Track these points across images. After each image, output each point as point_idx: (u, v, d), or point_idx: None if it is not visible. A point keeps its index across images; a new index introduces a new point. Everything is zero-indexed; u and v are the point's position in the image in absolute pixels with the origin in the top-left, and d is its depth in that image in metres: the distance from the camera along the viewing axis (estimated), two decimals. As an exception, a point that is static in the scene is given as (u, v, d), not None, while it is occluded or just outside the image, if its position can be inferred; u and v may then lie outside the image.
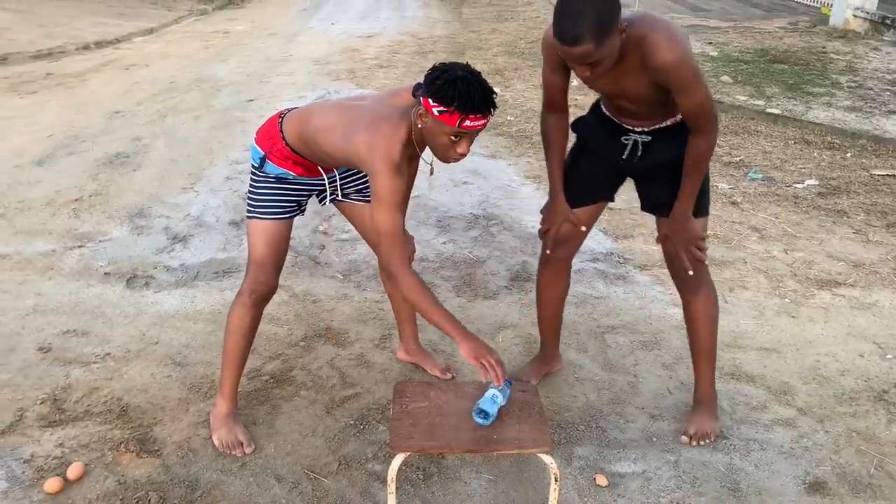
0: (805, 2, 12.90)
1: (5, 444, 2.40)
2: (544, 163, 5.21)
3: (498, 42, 9.90)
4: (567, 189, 2.53)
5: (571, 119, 2.55)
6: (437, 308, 2.09)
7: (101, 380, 2.76)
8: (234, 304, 2.41)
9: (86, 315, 3.21)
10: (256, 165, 2.38)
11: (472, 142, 2.09)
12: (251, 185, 2.40)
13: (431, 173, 2.41)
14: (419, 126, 2.08)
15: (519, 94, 7.24)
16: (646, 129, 2.36)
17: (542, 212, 2.63)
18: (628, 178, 2.56)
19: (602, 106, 2.45)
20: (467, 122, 1.99)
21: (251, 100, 6.85)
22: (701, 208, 2.39)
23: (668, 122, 2.32)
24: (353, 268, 3.69)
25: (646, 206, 2.55)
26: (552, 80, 2.39)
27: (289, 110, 2.39)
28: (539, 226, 2.65)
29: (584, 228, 2.58)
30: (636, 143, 2.38)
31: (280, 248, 2.39)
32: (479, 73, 2.04)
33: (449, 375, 2.81)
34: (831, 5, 11.09)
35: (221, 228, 4.12)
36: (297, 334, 3.09)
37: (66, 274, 3.56)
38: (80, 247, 3.84)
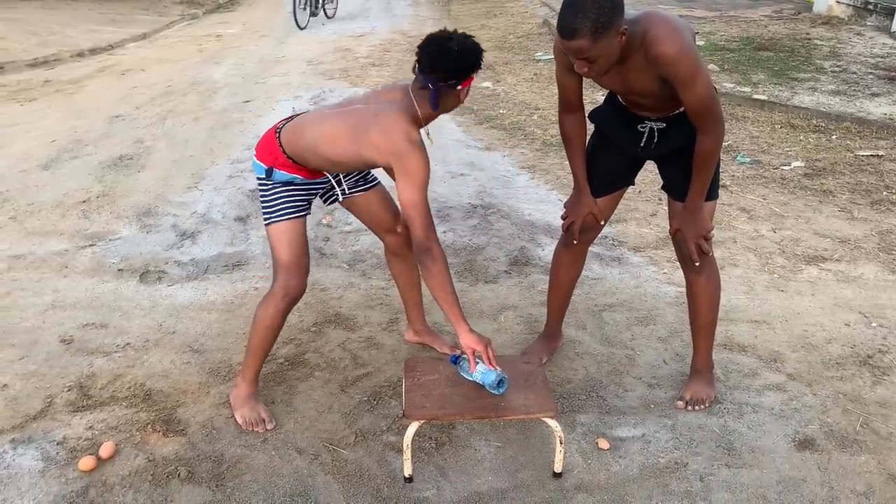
0: (789, -10, 13.04)
1: (38, 428, 2.54)
2: (537, 153, 5.35)
3: (487, 38, 10.02)
4: (589, 178, 2.62)
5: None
6: (453, 294, 2.29)
7: (124, 367, 2.89)
8: (265, 303, 2.49)
9: (103, 309, 3.33)
10: (263, 177, 2.47)
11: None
12: (262, 195, 2.50)
13: (431, 143, 2.51)
14: (415, 108, 2.32)
15: (510, 87, 7.38)
16: (660, 117, 2.44)
17: (565, 205, 2.72)
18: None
19: (617, 95, 2.53)
20: (474, 76, 2.34)
21: (248, 101, 6.97)
22: (710, 193, 2.47)
23: (682, 109, 2.37)
24: (357, 258, 3.83)
25: (666, 187, 2.64)
26: (565, 81, 2.47)
27: (284, 123, 2.48)
28: (561, 218, 2.75)
29: (602, 222, 2.70)
30: (652, 131, 2.47)
31: (302, 249, 2.50)
32: (451, 32, 2.31)
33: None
34: (815, -7, 11.24)
35: (228, 224, 4.25)
36: (308, 320, 3.22)
37: (80, 271, 3.68)
38: (91, 245, 3.97)
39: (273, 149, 2.43)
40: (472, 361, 2.29)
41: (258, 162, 2.47)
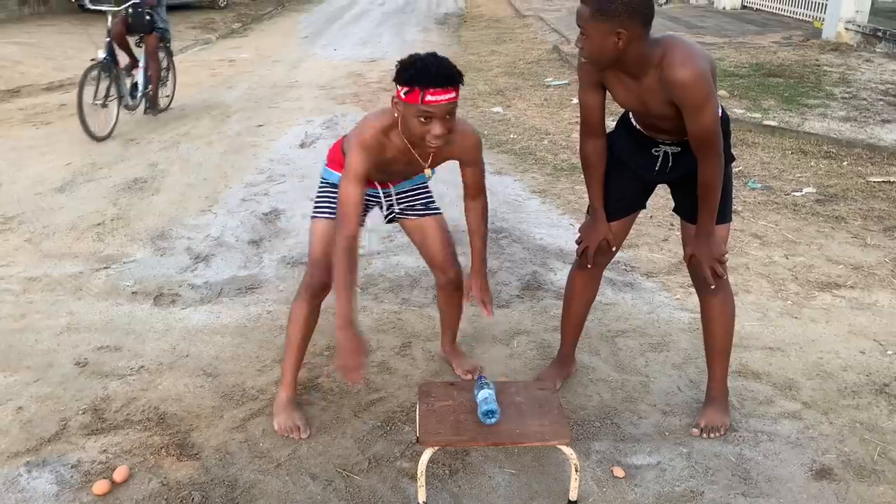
0: (798, 17, 13.14)
1: (52, 451, 2.54)
2: (548, 178, 5.36)
3: (497, 63, 10.11)
4: (603, 203, 2.64)
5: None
6: (345, 291, 2.31)
7: (138, 391, 2.89)
8: (295, 299, 2.65)
9: (117, 331, 3.35)
10: (329, 182, 2.63)
11: (445, 123, 2.22)
12: (318, 192, 2.67)
13: (431, 176, 2.58)
14: (396, 115, 2.29)
15: (521, 112, 7.42)
16: (675, 141, 2.46)
17: (580, 229, 2.74)
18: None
19: (632, 118, 2.54)
20: (428, 97, 2.16)
21: (261, 125, 7.04)
22: (724, 215, 2.49)
23: None
24: (370, 282, 3.84)
25: (677, 210, 2.67)
26: (587, 99, 2.48)
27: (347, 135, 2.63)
28: (575, 243, 2.77)
29: (615, 248, 2.73)
30: (667, 154, 2.49)
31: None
32: (445, 58, 2.24)
33: (469, 376, 2.95)
34: (824, 19, 11.31)
35: (241, 248, 4.27)
36: (320, 344, 3.22)
37: (94, 294, 3.70)
38: (106, 268, 3.99)
39: (339, 157, 2.59)
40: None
41: (330, 170, 2.65)
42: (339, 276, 2.32)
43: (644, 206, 2.74)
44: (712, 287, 2.54)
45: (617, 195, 2.64)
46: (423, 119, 2.20)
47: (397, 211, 2.73)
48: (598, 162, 2.59)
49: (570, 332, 2.94)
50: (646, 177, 2.58)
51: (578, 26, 2.23)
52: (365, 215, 2.66)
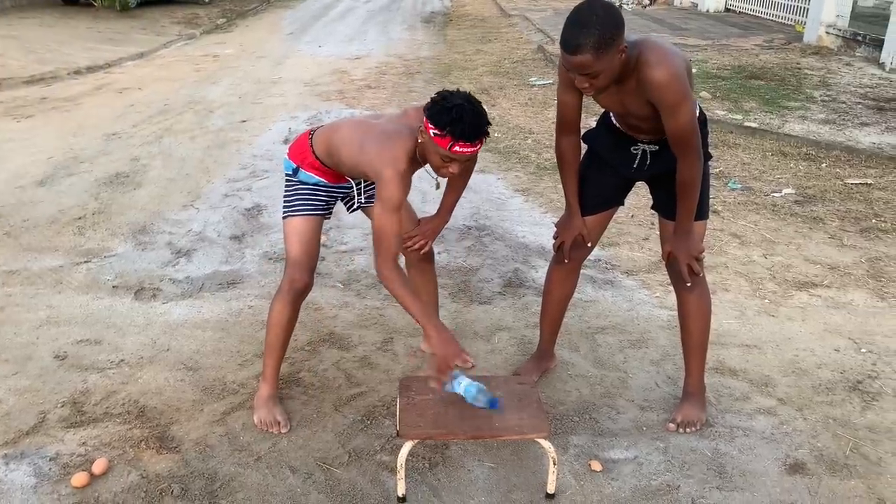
0: (780, 20, 13.27)
1: (31, 443, 2.53)
2: (532, 176, 5.40)
3: (483, 62, 10.14)
4: (581, 197, 2.68)
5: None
6: (416, 301, 2.33)
7: (118, 384, 2.89)
8: (275, 300, 2.62)
9: (97, 325, 3.33)
10: (290, 174, 2.63)
11: (462, 166, 2.31)
12: (286, 191, 2.65)
13: (437, 187, 2.66)
14: (420, 141, 2.31)
15: (505, 111, 7.45)
16: (654, 140, 2.50)
17: (556, 225, 2.78)
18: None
19: (611, 116, 2.57)
20: (457, 148, 2.22)
21: (244, 120, 7.01)
22: (701, 213, 2.52)
23: None
24: (352, 277, 3.85)
25: (656, 207, 2.70)
26: (566, 98, 2.51)
27: (317, 128, 2.64)
28: (552, 238, 2.81)
29: (590, 244, 2.75)
30: (645, 153, 2.53)
31: (313, 246, 2.61)
32: (479, 102, 2.26)
33: (469, 364, 2.97)
34: (805, 23, 11.43)
35: (223, 243, 4.26)
36: (301, 339, 3.23)
37: (75, 287, 3.69)
38: (86, 262, 3.97)
39: (304, 148, 2.59)
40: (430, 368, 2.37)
41: (288, 160, 2.63)
42: (412, 306, 2.31)
43: (622, 203, 2.77)
44: (688, 284, 2.57)
45: (595, 190, 2.68)
46: (445, 160, 2.28)
47: (363, 201, 2.73)
48: (572, 158, 2.63)
49: (548, 326, 2.97)
50: (624, 173, 2.61)
51: (581, 74, 2.18)
52: (329, 211, 2.70)
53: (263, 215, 4.68)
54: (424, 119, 2.26)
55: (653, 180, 2.63)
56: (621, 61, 2.18)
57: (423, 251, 2.78)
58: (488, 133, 2.27)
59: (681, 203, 2.44)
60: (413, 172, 2.46)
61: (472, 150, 2.25)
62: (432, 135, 2.23)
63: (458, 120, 2.18)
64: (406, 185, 2.34)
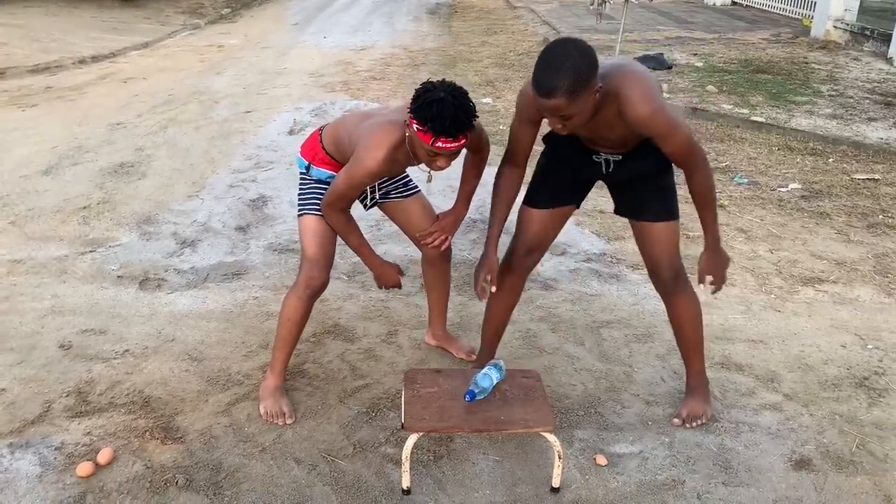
0: (787, 14, 13.20)
1: (36, 433, 2.53)
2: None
3: (488, 54, 10.10)
4: (536, 190, 2.60)
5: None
6: (359, 239, 2.58)
7: (122, 374, 2.89)
8: (290, 296, 2.62)
9: (102, 315, 3.33)
10: (304, 171, 2.64)
11: (451, 159, 2.29)
12: (300, 188, 2.65)
13: (429, 180, 2.66)
14: (407, 134, 2.29)
15: (510, 104, 7.41)
16: (616, 151, 2.44)
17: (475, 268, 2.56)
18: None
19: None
20: (439, 143, 2.20)
21: (249, 111, 7.00)
22: (670, 212, 2.49)
23: (640, 143, 2.40)
24: (357, 269, 3.83)
25: (623, 211, 2.61)
26: (520, 134, 2.41)
27: (327, 125, 2.65)
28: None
29: (537, 253, 2.67)
30: (607, 161, 2.47)
31: (328, 244, 2.61)
32: (464, 93, 2.21)
33: (472, 357, 2.97)
34: (812, 17, 11.37)
35: (228, 233, 4.26)
36: (306, 331, 3.19)
37: (79, 277, 3.68)
38: (91, 252, 3.97)
39: (314, 145, 2.60)
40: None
41: (300, 157, 2.64)
42: (352, 238, 2.54)
43: (577, 206, 2.66)
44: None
45: (552, 185, 2.58)
46: (430, 154, 2.26)
47: (377, 198, 2.73)
48: (509, 194, 2.50)
49: (488, 333, 2.86)
50: (586, 176, 2.55)
51: (555, 117, 2.13)
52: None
53: (268, 206, 4.67)
54: (409, 113, 2.23)
55: (614, 185, 2.59)
56: (596, 101, 2.13)
57: (443, 247, 2.74)
58: (473, 127, 2.24)
59: (703, 213, 2.39)
60: (406, 165, 2.47)
61: (455, 145, 2.21)
62: (416, 129, 2.21)
63: (437, 116, 2.15)
64: (371, 168, 2.32)
